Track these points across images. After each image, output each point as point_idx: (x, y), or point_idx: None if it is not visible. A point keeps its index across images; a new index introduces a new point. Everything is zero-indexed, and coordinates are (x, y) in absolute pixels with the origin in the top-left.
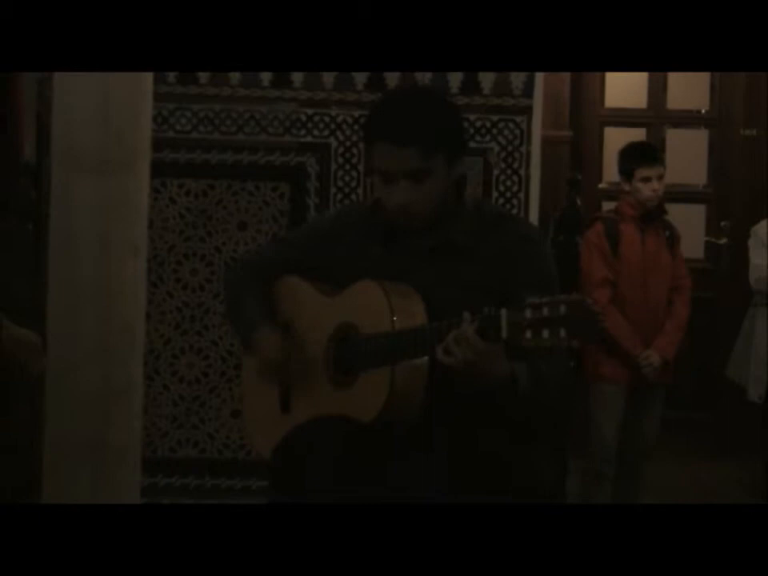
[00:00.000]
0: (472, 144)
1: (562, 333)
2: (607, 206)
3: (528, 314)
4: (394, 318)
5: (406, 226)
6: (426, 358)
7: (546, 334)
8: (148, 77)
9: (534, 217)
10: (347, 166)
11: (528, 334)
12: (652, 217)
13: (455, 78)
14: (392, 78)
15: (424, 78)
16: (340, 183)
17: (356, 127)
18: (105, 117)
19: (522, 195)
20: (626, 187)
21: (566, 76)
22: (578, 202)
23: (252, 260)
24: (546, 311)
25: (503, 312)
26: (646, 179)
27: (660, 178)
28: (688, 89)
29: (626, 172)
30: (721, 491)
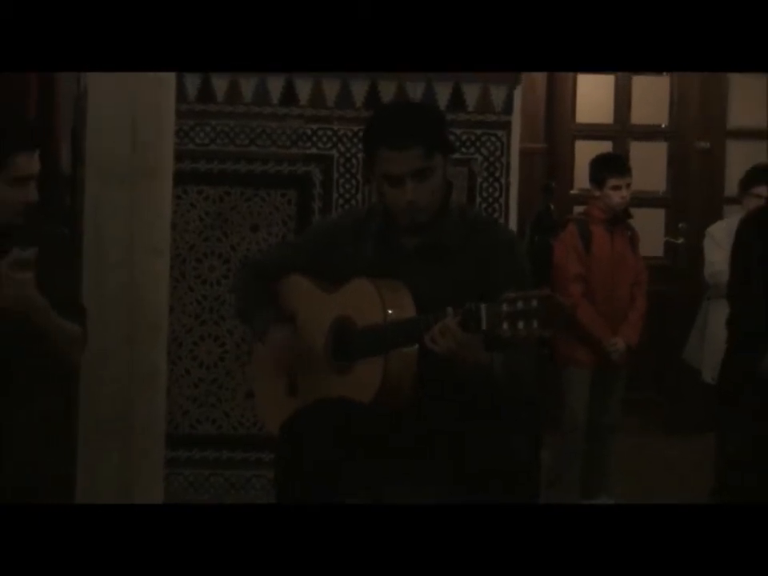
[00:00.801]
0: (458, 155)
1: (535, 324)
2: (577, 209)
3: (505, 307)
4: (387, 311)
5: (414, 221)
6: (415, 346)
7: (520, 325)
8: (171, 95)
9: (512, 219)
10: (347, 175)
11: (505, 326)
12: (619, 219)
13: (443, 96)
14: (387, 95)
15: (416, 92)
16: (341, 190)
17: (355, 140)
18: (132, 131)
19: (502, 200)
20: (597, 193)
21: (542, 94)
22: (552, 206)
23: (261, 262)
24: (520, 305)
25: (483, 306)
26: (616, 187)
27: (628, 186)
28: (649, 105)
29: (598, 180)
30: (677, 463)
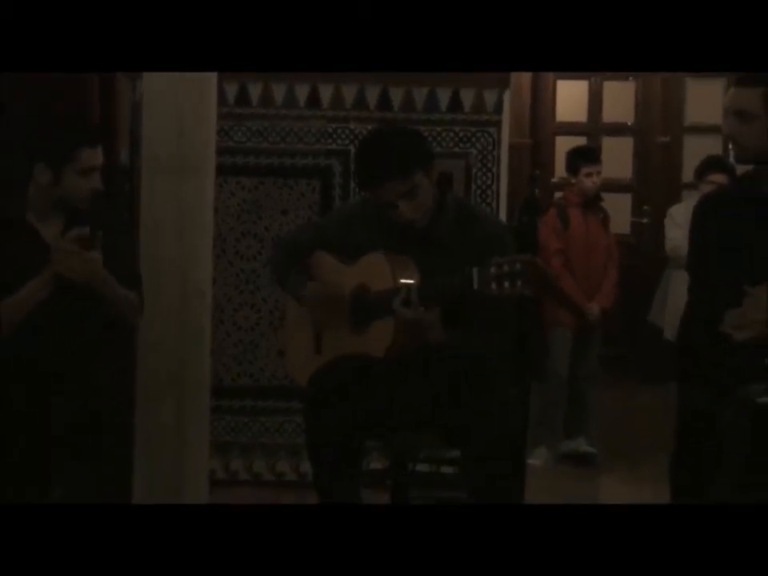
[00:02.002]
0: (456, 149)
1: (518, 283)
2: (558, 195)
3: (493, 270)
4: (397, 279)
5: (414, 227)
6: (421, 308)
7: (506, 284)
8: (213, 99)
9: (503, 204)
10: None
11: (493, 285)
12: (592, 203)
13: (443, 99)
14: (396, 99)
15: (421, 96)
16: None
17: None
18: (181, 131)
19: (494, 187)
20: (573, 180)
21: (527, 97)
22: (537, 192)
23: (292, 239)
24: (506, 267)
25: (474, 269)
26: (589, 174)
27: (599, 173)
28: (618, 105)
29: (573, 169)
30: (642, 410)
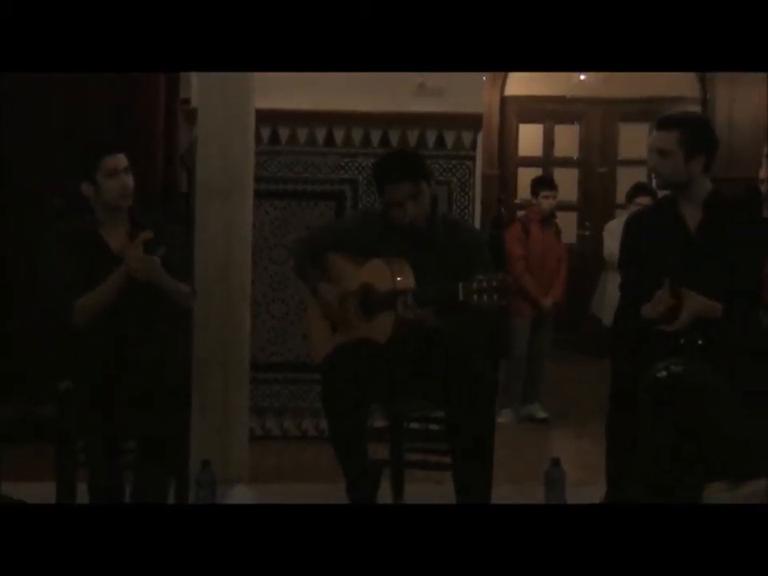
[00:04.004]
0: (441, 178)
1: (495, 296)
2: (520, 213)
3: (475, 285)
4: (396, 280)
5: (413, 228)
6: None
7: (485, 297)
8: (251, 139)
9: (477, 220)
10: (369, 193)
11: (475, 297)
12: (548, 219)
13: (431, 139)
14: (394, 139)
15: (413, 137)
16: (364, 202)
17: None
18: (226, 163)
19: (470, 208)
20: (534, 201)
21: (496, 137)
22: (503, 211)
23: (311, 238)
24: (485, 284)
25: (460, 284)
26: (546, 197)
27: (555, 197)
28: (566, 143)
29: (534, 192)
30: (585, 381)
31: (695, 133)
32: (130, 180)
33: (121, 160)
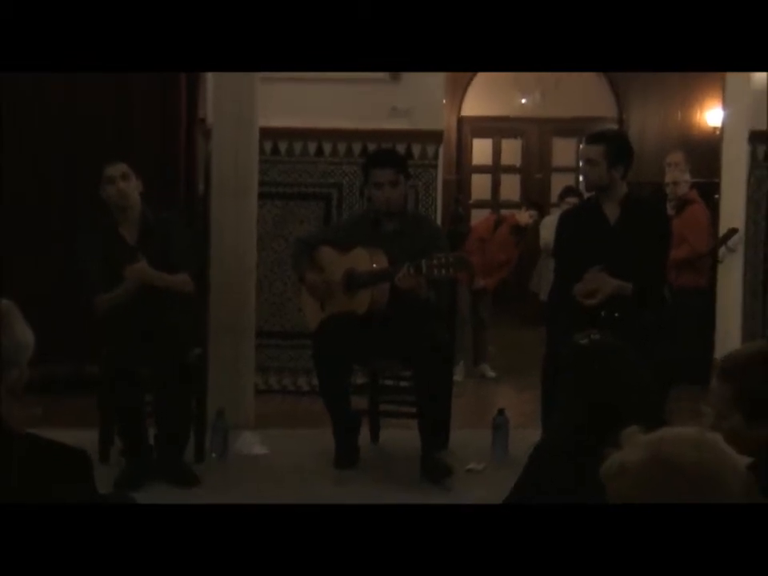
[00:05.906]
0: (410, 183)
1: (451, 270)
2: (476, 213)
3: (435, 261)
4: (373, 265)
5: (389, 211)
6: (388, 283)
7: (443, 271)
8: (256, 151)
9: (439, 217)
10: (351, 194)
11: (435, 271)
12: (521, 230)
13: (401, 150)
14: (371, 147)
15: (388, 147)
16: (348, 202)
17: (355, 176)
18: (236, 169)
19: (433, 207)
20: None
21: (454, 149)
22: (460, 210)
23: (305, 237)
24: (443, 260)
25: (423, 261)
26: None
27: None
28: (511, 153)
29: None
30: (526, 344)
31: (617, 146)
32: (128, 185)
33: (118, 168)
